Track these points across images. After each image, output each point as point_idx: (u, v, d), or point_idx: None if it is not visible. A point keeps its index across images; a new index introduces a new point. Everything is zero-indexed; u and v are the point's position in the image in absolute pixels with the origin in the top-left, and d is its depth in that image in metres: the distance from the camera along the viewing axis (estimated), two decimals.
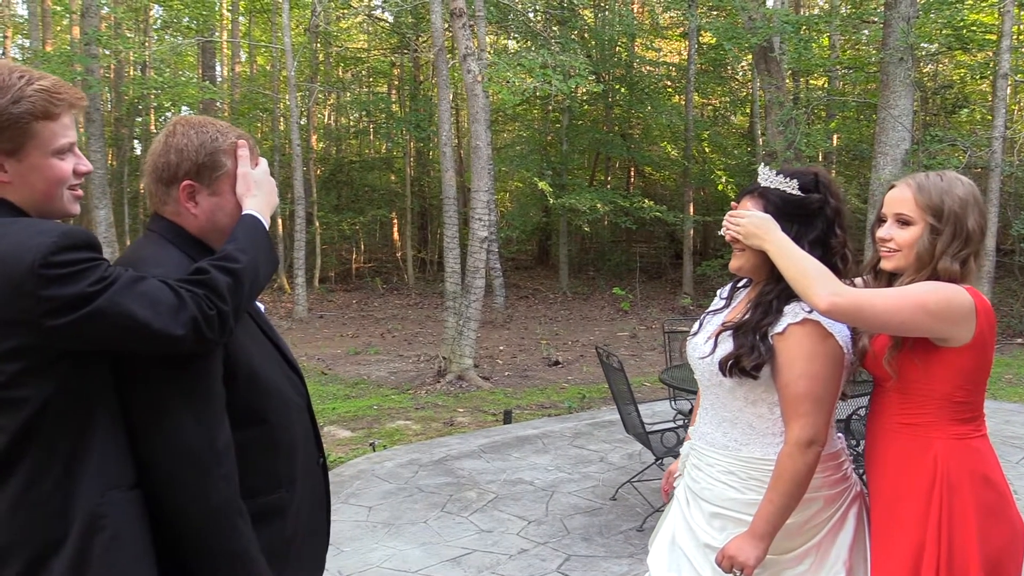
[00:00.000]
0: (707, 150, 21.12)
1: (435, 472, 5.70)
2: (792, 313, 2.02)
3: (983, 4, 14.20)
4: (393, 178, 23.66)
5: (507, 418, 7.30)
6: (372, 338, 13.49)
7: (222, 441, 1.59)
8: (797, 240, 2.03)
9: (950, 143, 12.33)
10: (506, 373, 10.27)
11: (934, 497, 1.93)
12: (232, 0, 22.44)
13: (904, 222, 2.03)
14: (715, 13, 18.42)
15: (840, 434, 2.25)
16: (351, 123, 25.88)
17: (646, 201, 17.00)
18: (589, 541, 4.42)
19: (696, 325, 2.34)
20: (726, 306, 2.31)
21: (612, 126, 20.72)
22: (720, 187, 19.97)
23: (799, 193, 2.07)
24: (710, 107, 23.30)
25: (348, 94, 24.05)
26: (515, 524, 4.69)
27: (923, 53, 13.57)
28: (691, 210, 18.75)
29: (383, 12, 21.33)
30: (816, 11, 21.44)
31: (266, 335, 1.83)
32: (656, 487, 5.13)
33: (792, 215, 2.06)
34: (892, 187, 2.08)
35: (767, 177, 2.10)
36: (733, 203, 2.16)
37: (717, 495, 2.14)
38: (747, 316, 2.10)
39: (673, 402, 5.66)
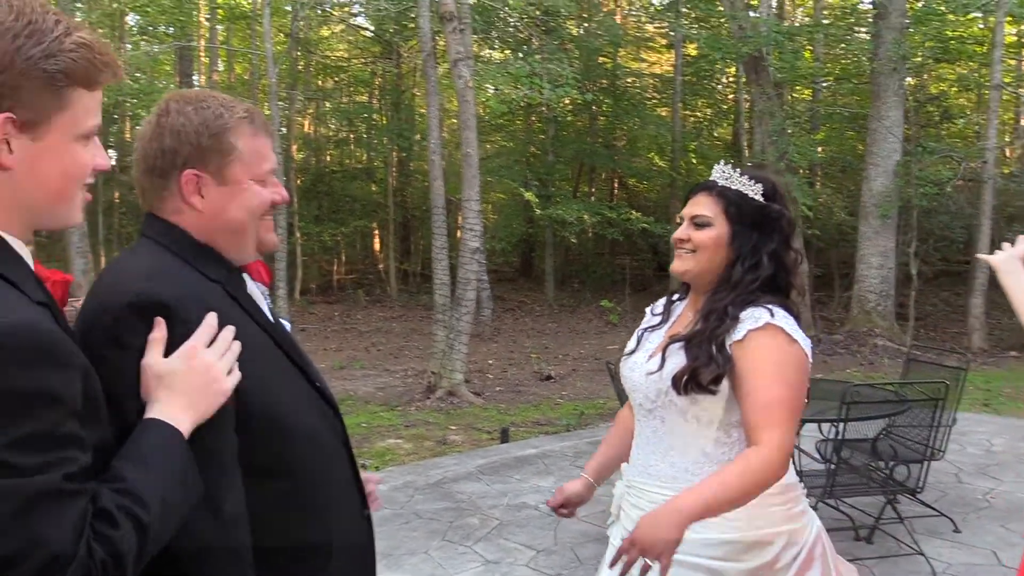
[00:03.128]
0: (694, 161, 21.01)
1: (433, 496, 5.38)
2: (752, 318, 1.81)
3: (968, 17, 14.18)
4: (375, 188, 23.33)
5: (504, 437, 7.00)
6: (356, 352, 13.13)
7: (230, 507, 1.25)
8: (756, 250, 1.87)
9: (943, 154, 12.25)
10: (497, 388, 9.96)
11: None
12: (211, 8, 22.08)
13: None
14: (700, 25, 18.37)
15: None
16: (331, 133, 25.52)
17: (633, 212, 16.81)
18: None
19: (632, 342, 2.09)
20: (663, 322, 2.09)
21: (596, 137, 20.57)
22: None
23: (762, 199, 1.89)
24: (693, 118, 23.23)
25: (328, 103, 23.71)
26: (523, 554, 4.38)
27: (909, 65, 13.53)
28: (678, 222, 18.59)
29: (364, 19, 21.06)
30: (798, 23, 21.46)
31: (292, 361, 1.47)
32: None
33: (753, 221, 1.88)
34: None
35: (727, 175, 1.91)
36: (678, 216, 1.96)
37: None
38: (699, 326, 1.87)
39: None
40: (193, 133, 1.35)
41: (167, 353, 1.24)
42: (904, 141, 12.69)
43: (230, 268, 1.44)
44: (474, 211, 9.05)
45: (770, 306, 1.82)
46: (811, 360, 1.84)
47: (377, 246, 23.82)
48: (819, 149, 17.42)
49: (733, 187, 1.89)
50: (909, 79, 14.08)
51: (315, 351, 13.21)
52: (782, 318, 1.80)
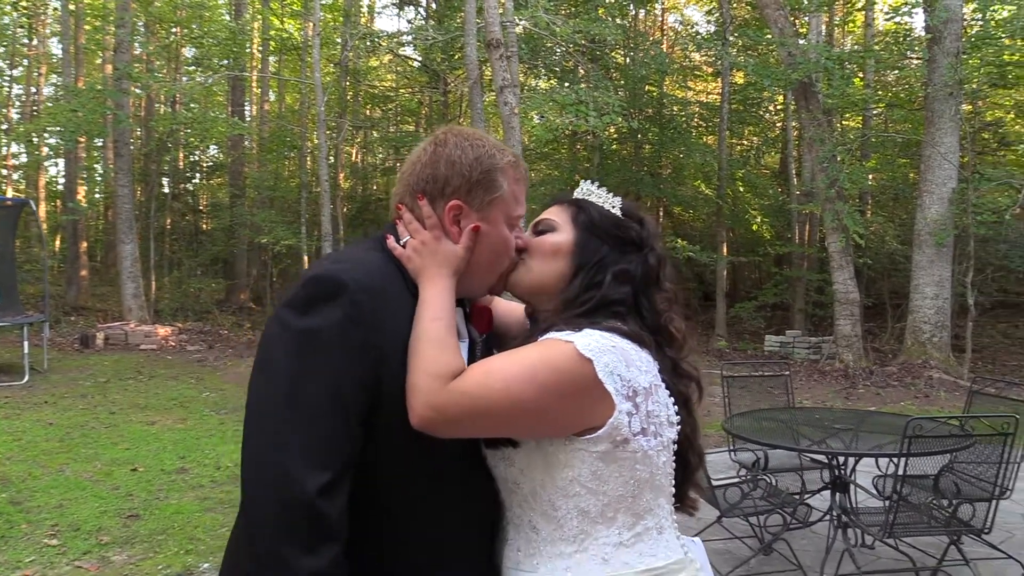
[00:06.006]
0: (741, 189, 20.77)
1: None
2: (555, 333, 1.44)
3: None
4: None
5: None
6: None
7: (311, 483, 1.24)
8: (601, 266, 1.53)
9: (1001, 182, 11.90)
10: None
11: None
12: (263, 40, 22.59)
13: None
14: (748, 53, 18.23)
15: (687, 539, 1.55)
16: (378, 161, 25.85)
17: (679, 240, 16.64)
18: None
19: None
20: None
21: (642, 165, 20.47)
22: (755, 227, 19.59)
23: (619, 213, 1.61)
24: (740, 146, 23.04)
25: (376, 132, 24.03)
26: None
27: (965, 91, 13.23)
28: (724, 250, 18.35)
29: (412, 49, 21.34)
30: (847, 50, 21.20)
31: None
32: (719, 548, 4.68)
33: (605, 233, 1.57)
34: None
35: (588, 190, 1.65)
36: None
37: None
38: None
39: (733, 454, 5.22)
40: (467, 166, 1.45)
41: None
42: (960, 168, 12.38)
43: None
44: None
45: (590, 329, 1.41)
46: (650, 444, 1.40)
47: None
48: (870, 177, 17.09)
49: (590, 199, 1.63)
50: (965, 105, 13.75)
51: None
52: (587, 334, 1.39)
